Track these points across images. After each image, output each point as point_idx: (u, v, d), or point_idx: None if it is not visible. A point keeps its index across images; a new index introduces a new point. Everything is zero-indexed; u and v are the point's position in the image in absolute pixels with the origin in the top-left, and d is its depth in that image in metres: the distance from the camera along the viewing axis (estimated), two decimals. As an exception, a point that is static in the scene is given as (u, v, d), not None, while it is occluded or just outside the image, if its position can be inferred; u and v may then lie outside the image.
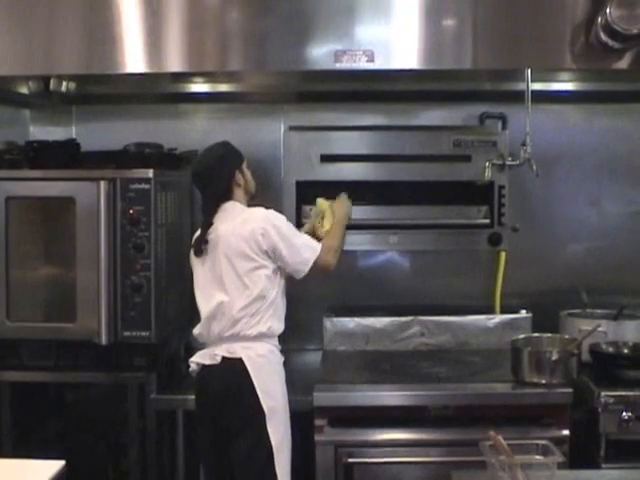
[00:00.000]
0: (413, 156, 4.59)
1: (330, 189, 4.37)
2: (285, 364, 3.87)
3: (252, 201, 4.00)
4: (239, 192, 3.94)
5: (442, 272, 4.92)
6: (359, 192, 4.49)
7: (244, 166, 3.98)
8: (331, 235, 4.09)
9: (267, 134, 4.81)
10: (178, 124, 4.82)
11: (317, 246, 3.91)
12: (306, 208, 4.47)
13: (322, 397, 3.92)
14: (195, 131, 4.77)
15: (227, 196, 3.89)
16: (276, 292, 3.81)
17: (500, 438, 2.85)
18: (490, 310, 4.82)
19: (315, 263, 3.87)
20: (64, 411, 4.44)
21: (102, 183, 3.91)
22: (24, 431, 4.26)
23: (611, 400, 3.96)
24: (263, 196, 4.60)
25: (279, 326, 3.85)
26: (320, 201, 4.28)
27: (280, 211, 4.53)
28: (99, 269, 3.92)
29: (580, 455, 3.91)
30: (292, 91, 4.75)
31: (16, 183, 4.04)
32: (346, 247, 4.32)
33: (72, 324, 3.97)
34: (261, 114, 4.83)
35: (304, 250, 3.86)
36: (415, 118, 4.84)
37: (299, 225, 4.29)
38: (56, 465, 2.99)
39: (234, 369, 3.70)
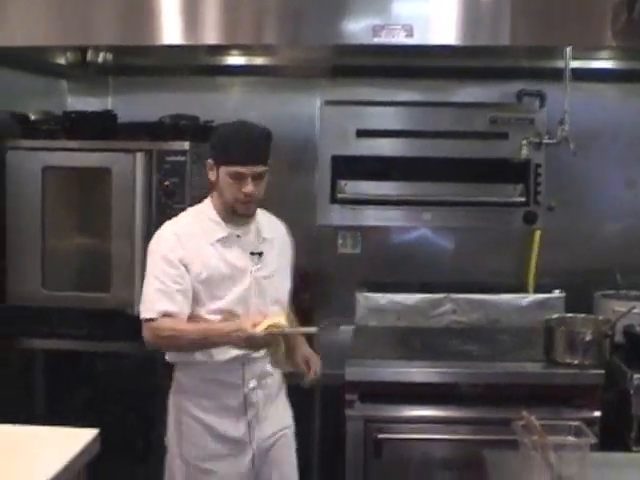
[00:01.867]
0: (449, 132, 4.58)
1: (365, 164, 4.35)
2: (317, 339, 3.87)
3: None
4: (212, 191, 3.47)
5: (475, 250, 4.89)
6: (394, 168, 4.47)
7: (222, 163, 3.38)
8: (182, 333, 3.36)
9: (302, 108, 4.78)
10: (214, 97, 4.80)
11: (145, 311, 3.36)
12: (341, 182, 4.45)
13: (353, 372, 3.93)
14: (230, 104, 4.75)
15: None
16: None
17: (533, 418, 2.84)
18: (523, 289, 4.79)
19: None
20: (95, 381, 4.47)
21: (138, 155, 3.92)
22: (55, 399, 4.30)
23: (644, 382, 3.94)
24: (297, 171, 4.62)
25: None
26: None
27: (313, 186, 4.57)
28: (134, 240, 3.94)
29: (610, 437, 3.88)
30: (328, 65, 4.73)
31: (53, 153, 4.06)
32: (380, 223, 4.32)
33: (106, 294, 3.99)
34: (297, 88, 4.80)
35: (142, 300, 3.42)
36: (451, 95, 4.80)
37: (334, 200, 4.24)
38: (90, 433, 3.01)
39: None
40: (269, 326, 3.24)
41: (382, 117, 4.56)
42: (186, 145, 3.98)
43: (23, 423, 3.22)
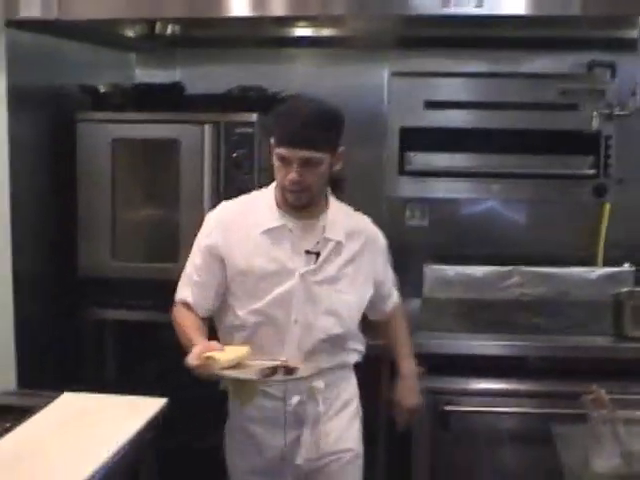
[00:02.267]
0: (518, 104, 4.53)
1: (434, 136, 4.33)
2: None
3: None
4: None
5: (544, 222, 4.84)
6: (463, 139, 4.45)
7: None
8: (179, 329, 3.18)
9: (370, 80, 4.75)
10: (280, 69, 4.79)
11: (180, 286, 3.26)
12: (409, 154, 4.43)
13: (422, 344, 3.91)
14: (297, 76, 4.75)
15: None
16: None
17: (602, 392, 2.82)
18: (592, 262, 4.75)
19: None
20: (164, 352, 4.51)
21: (207, 126, 3.92)
22: (125, 369, 4.35)
23: None
24: (365, 143, 4.60)
25: None
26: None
27: (380, 158, 4.55)
28: (202, 211, 3.95)
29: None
30: (397, 36, 4.69)
31: (122, 125, 4.09)
32: (448, 195, 4.29)
33: (174, 264, 4.02)
34: (364, 59, 4.77)
35: None
36: (521, 65, 4.73)
37: (403, 172, 4.21)
38: (158, 402, 3.05)
39: None
40: (208, 358, 2.83)
41: (451, 88, 4.54)
42: (254, 116, 3.98)
43: (94, 392, 3.28)
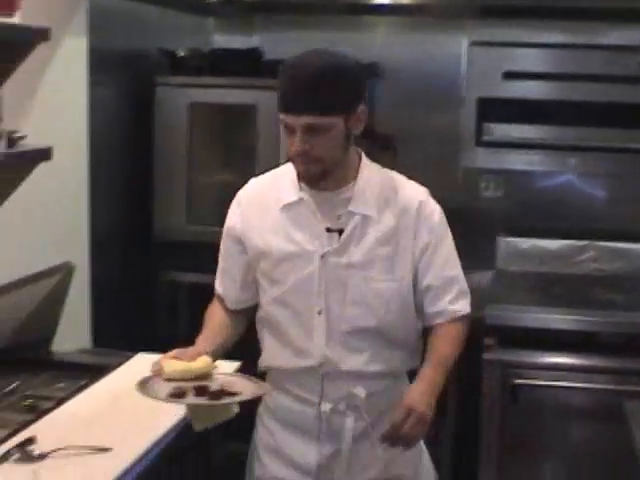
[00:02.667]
0: (598, 76, 4.46)
1: (511, 107, 4.28)
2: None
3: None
4: None
5: (620, 197, 4.76)
6: (541, 111, 4.40)
7: None
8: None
9: (448, 49, 4.71)
10: (358, 36, 4.77)
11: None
12: (487, 125, 4.39)
13: (494, 316, 3.91)
14: (375, 44, 4.73)
15: None
16: None
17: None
18: (669, 239, 4.68)
19: None
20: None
21: (285, 92, 3.94)
22: (197, 331, 4.38)
23: None
24: (441, 112, 4.57)
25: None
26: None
27: (455, 127, 4.52)
28: (277, 177, 3.98)
29: None
30: (476, 5, 4.64)
31: (199, 90, 4.12)
32: (524, 167, 4.25)
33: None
34: (443, 28, 4.73)
35: None
36: (601, 37, 4.65)
37: (480, 143, 4.16)
38: (232, 365, 3.07)
39: None
40: (158, 365, 2.52)
41: (530, 59, 4.48)
42: (333, 84, 3.97)
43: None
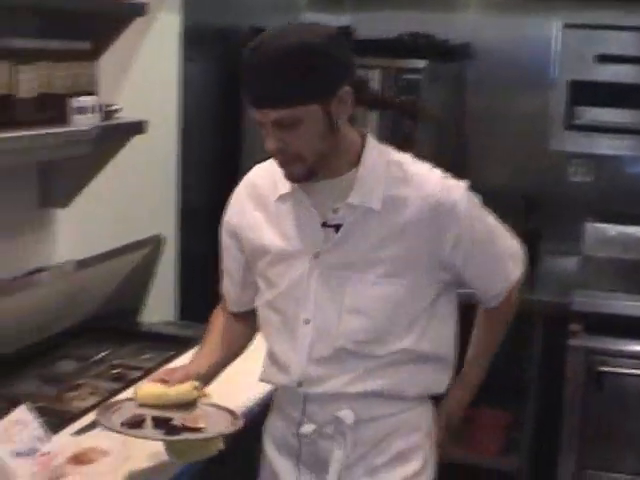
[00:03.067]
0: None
1: (603, 91, 4.21)
2: (540, 267, 3.77)
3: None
4: None
5: None
6: (632, 95, 4.32)
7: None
8: None
9: (539, 30, 4.63)
10: (450, 16, 4.71)
11: None
12: (577, 108, 4.33)
13: (580, 302, 3.87)
14: (467, 24, 4.68)
15: None
16: None
17: None
18: None
19: None
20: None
21: (376, 71, 3.93)
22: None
23: None
24: (531, 95, 4.53)
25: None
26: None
27: (544, 110, 4.47)
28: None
29: None
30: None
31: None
32: (615, 152, 4.19)
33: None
34: (534, 9, 4.65)
35: None
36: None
37: (570, 127, 4.11)
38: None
39: None
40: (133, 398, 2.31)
41: (623, 42, 4.38)
42: (422, 63, 3.96)
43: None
